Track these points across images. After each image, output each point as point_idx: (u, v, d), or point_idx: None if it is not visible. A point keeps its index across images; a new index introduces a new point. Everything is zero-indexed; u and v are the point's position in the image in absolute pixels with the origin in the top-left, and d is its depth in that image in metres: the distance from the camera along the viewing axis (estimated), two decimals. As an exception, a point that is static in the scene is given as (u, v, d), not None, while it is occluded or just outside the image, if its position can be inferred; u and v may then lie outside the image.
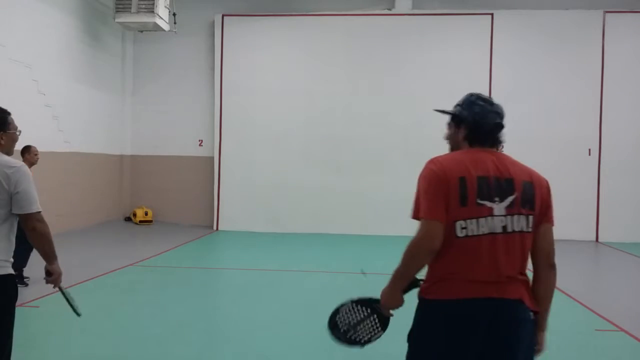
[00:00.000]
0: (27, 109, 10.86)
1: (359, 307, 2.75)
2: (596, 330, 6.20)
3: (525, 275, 2.52)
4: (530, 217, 2.50)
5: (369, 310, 2.74)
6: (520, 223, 2.48)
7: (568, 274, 9.49)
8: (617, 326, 6.20)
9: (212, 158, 14.53)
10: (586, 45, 13.49)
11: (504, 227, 2.45)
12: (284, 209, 13.88)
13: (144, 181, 15.00)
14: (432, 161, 2.56)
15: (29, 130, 10.59)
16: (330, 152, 13.86)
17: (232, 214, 14.08)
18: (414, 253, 2.48)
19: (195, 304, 6.95)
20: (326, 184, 13.81)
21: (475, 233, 2.44)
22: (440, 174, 2.48)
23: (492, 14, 13.64)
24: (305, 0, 14.24)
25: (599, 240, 13.32)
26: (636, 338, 5.81)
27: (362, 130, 13.72)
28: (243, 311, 6.62)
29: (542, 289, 2.59)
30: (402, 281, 2.59)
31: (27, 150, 7.66)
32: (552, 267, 2.60)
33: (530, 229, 2.50)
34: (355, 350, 5.21)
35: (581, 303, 7.09)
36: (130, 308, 6.61)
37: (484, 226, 2.44)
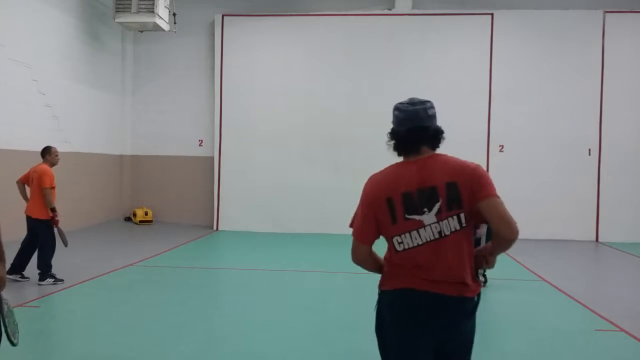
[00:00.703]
0: (27, 109, 10.89)
1: None
2: (596, 330, 6.20)
3: (468, 271, 2.62)
4: (462, 215, 2.59)
5: None
6: (451, 225, 2.58)
7: (568, 274, 9.52)
8: (617, 326, 6.20)
9: (212, 158, 14.53)
10: (586, 45, 13.49)
11: (440, 233, 2.59)
12: (284, 209, 13.88)
13: (144, 181, 15.00)
14: (369, 181, 2.76)
15: (30, 130, 10.68)
16: (330, 152, 13.86)
17: (232, 214, 14.08)
18: (352, 259, 2.84)
19: (195, 304, 6.95)
20: (326, 184, 13.81)
21: (411, 245, 2.61)
22: (370, 197, 2.68)
23: (492, 14, 13.65)
24: (305, 0, 14.24)
25: (599, 240, 13.32)
26: (636, 338, 5.80)
27: (362, 130, 13.71)
28: (243, 311, 6.62)
29: (496, 243, 2.66)
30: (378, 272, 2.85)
31: (47, 151, 7.68)
32: (508, 240, 2.58)
33: (464, 224, 2.60)
34: (355, 350, 5.22)
35: (581, 303, 7.09)
36: (130, 308, 6.61)
37: (417, 238, 2.60)
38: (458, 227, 2.60)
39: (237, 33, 14.21)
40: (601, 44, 13.45)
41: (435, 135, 2.73)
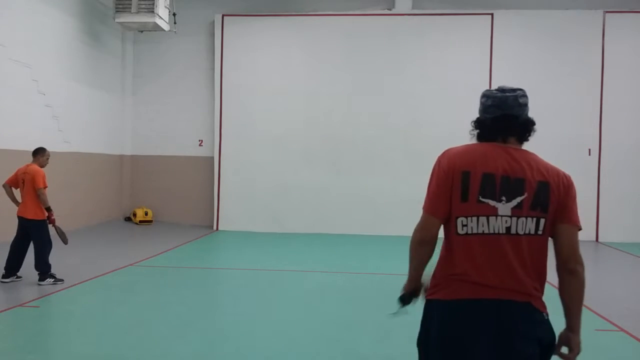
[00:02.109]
0: (27, 109, 10.89)
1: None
2: (596, 330, 6.19)
3: (536, 285, 2.39)
4: (542, 220, 2.35)
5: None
6: (527, 226, 2.34)
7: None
8: (617, 326, 6.20)
9: (212, 158, 14.53)
10: (586, 45, 13.49)
11: (508, 229, 2.34)
12: (284, 209, 13.88)
13: (144, 181, 15.00)
14: (444, 153, 2.51)
15: (29, 130, 10.67)
16: (330, 153, 13.86)
17: (232, 214, 14.08)
18: (411, 243, 2.51)
19: (195, 304, 6.95)
20: (326, 184, 13.81)
21: (474, 231, 2.36)
22: (445, 167, 2.42)
23: (492, 14, 13.65)
24: (305, 0, 14.24)
25: (599, 240, 13.32)
26: (636, 338, 5.81)
27: (362, 130, 13.73)
28: (243, 311, 6.62)
29: (565, 295, 2.46)
30: (414, 271, 2.58)
31: (40, 153, 7.70)
32: (572, 272, 2.40)
33: (541, 232, 2.36)
34: (355, 350, 5.22)
35: (581, 303, 7.08)
36: (130, 308, 6.61)
37: (485, 225, 2.34)
38: (533, 232, 2.35)
39: (237, 33, 14.21)
40: (601, 44, 13.46)
41: (526, 126, 2.49)
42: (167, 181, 14.83)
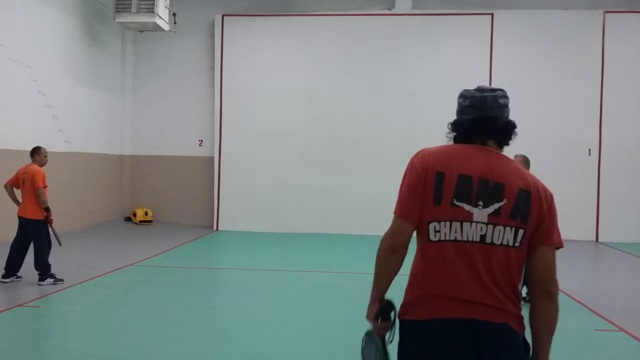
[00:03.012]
0: (27, 109, 10.89)
1: (366, 337, 2.49)
2: (596, 330, 6.20)
3: (512, 298, 2.20)
4: (520, 232, 2.16)
5: (367, 337, 2.47)
6: (504, 235, 2.15)
7: (568, 274, 9.50)
8: (617, 326, 6.20)
9: (212, 158, 14.53)
10: (586, 45, 13.49)
11: (482, 237, 2.15)
12: (284, 209, 13.88)
13: (144, 181, 15.00)
14: (417, 153, 2.33)
15: (29, 130, 10.67)
16: (330, 152, 13.86)
17: (232, 214, 14.08)
18: (379, 251, 2.31)
19: (195, 304, 6.95)
20: (326, 184, 13.81)
21: (447, 238, 2.16)
22: (417, 167, 2.25)
23: (492, 14, 13.65)
24: (305, 0, 14.24)
25: (599, 240, 13.32)
26: (636, 338, 5.80)
27: (362, 130, 13.73)
28: (243, 311, 6.62)
29: (537, 319, 2.25)
30: (377, 287, 2.36)
31: (36, 152, 7.69)
32: (548, 295, 2.22)
33: (518, 244, 2.17)
34: (355, 350, 5.22)
35: (581, 303, 7.09)
36: (130, 308, 6.61)
37: (458, 231, 2.16)
38: (511, 243, 2.16)
39: (237, 33, 14.21)
40: (601, 44, 13.46)
41: (506, 129, 2.30)
42: (167, 181, 14.83)
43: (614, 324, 6.29)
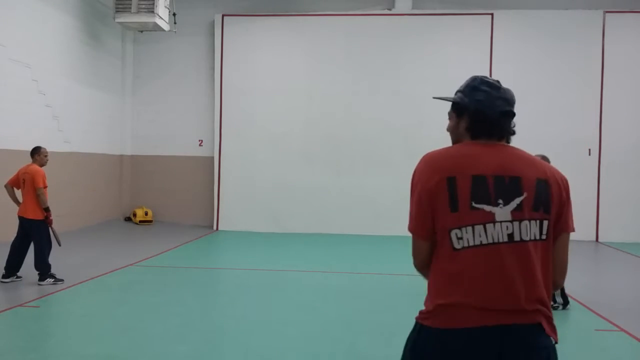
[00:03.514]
0: (27, 109, 10.89)
1: None
2: (596, 330, 6.20)
3: (544, 300, 2.09)
4: (545, 223, 2.07)
5: None
6: (531, 230, 2.05)
7: (568, 274, 9.50)
8: (617, 326, 6.20)
9: (212, 158, 14.53)
10: (586, 45, 13.49)
11: (510, 236, 2.03)
12: (284, 209, 13.88)
13: (144, 181, 15.00)
14: (423, 159, 2.20)
15: (29, 130, 10.67)
16: (330, 153, 13.86)
17: (232, 214, 14.08)
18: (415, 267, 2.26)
19: (195, 304, 6.95)
20: (326, 184, 13.81)
21: (471, 244, 2.03)
22: (424, 177, 2.12)
23: (492, 14, 13.65)
24: (305, 0, 14.24)
25: (599, 240, 13.32)
26: (636, 338, 5.80)
27: (362, 130, 13.73)
28: (243, 311, 6.62)
29: None
30: None
31: (36, 152, 7.69)
32: (554, 286, 2.17)
33: (544, 237, 2.07)
34: (355, 350, 5.22)
35: (581, 303, 7.09)
36: (130, 308, 6.61)
37: (483, 235, 2.03)
38: (538, 237, 2.06)
39: (237, 33, 14.22)
40: (601, 44, 13.46)
41: (510, 127, 2.24)
42: (167, 181, 14.83)
43: (614, 324, 6.29)
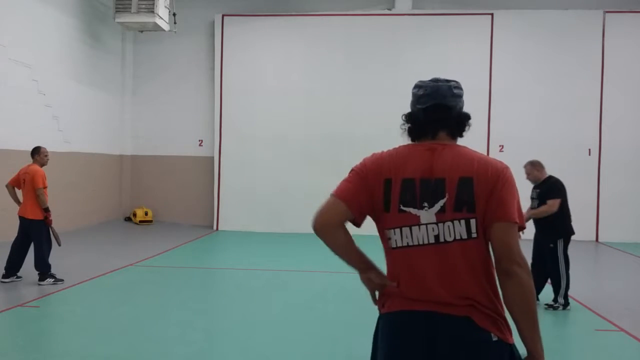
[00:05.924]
0: (27, 109, 10.90)
1: None
2: (596, 330, 6.20)
3: (481, 298, 2.08)
4: (472, 221, 2.07)
5: None
6: (455, 230, 2.08)
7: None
8: (617, 326, 6.20)
9: (212, 158, 14.53)
10: (586, 45, 13.50)
11: (437, 237, 2.09)
12: (284, 209, 13.87)
13: (144, 181, 15.01)
14: (370, 156, 2.30)
15: (29, 130, 10.68)
16: (330, 152, 13.85)
17: (232, 214, 14.08)
18: (316, 232, 2.30)
19: (195, 304, 6.95)
20: (326, 184, 13.66)
21: (399, 245, 2.15)
22: (365, 171, 2.22)
23: (492, 14, 13.65)
24: (305, 0, 14.24)
25: (599, 240, 13.32)
26: (636, 338, 5.80)
27: (362, 130, 13.72)
28: (243, 311, 6.62)
29: (507, 304, 2.08)
30: (352, 262, 2.39)
31: (36, 152, 7.70)
32: (507, 273, 2.05)
33: (475, 235, 2.08)
34: (355, 350, 5.22)
35: (581, 303, 7.09)
36: (130, 308, 6.61)
37: (409, 237, 2.12)
38: (465, 236, 2.07)
39: (237, 33, 14.22)
40: (601, 44, 13.46)
41: (459, 120, 2.25)
42: (167, 181, 14.83)
43: (614, 324, 6.29)
